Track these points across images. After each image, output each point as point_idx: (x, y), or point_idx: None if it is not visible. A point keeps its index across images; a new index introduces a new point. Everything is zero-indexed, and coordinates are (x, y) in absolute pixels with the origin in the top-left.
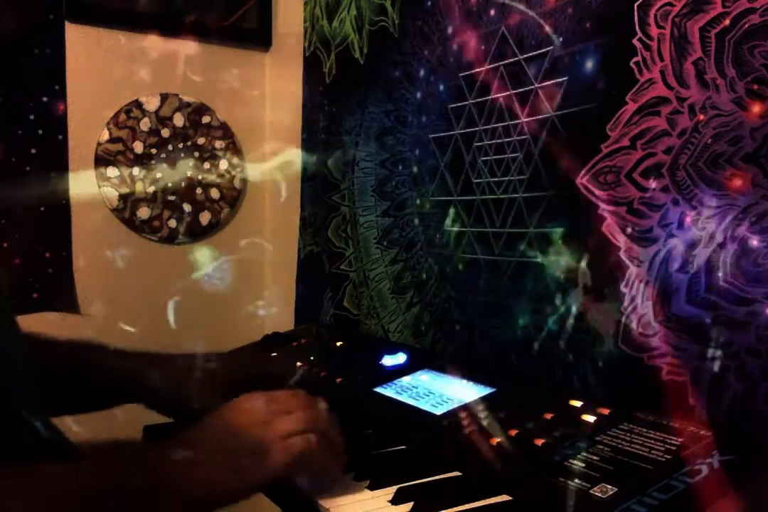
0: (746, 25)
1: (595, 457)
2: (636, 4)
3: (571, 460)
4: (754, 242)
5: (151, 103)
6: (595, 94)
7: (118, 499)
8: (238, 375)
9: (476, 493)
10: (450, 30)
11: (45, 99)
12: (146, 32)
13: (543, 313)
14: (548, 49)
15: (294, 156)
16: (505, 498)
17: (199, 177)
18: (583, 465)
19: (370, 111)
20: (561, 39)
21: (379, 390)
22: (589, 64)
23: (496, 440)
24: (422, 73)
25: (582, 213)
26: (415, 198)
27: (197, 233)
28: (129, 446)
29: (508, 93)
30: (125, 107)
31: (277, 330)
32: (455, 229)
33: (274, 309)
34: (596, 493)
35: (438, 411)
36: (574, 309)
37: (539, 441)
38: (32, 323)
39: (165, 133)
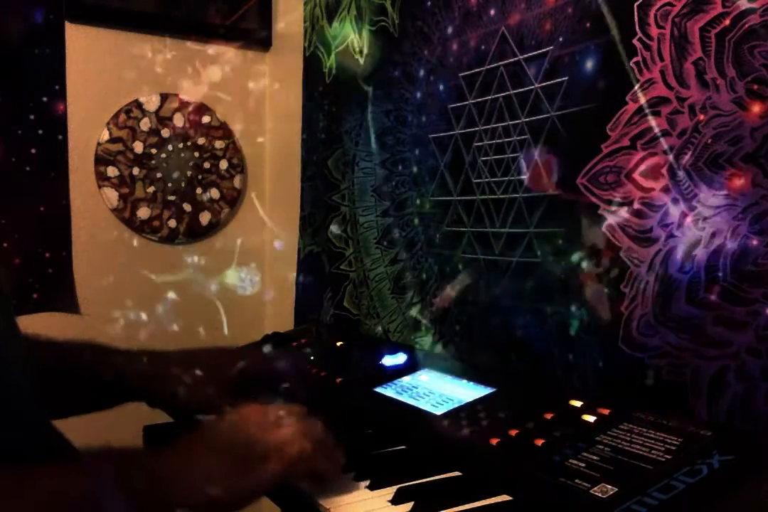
0: (746, 25)
1: (595, 457)
2: (636, 4)
3: (571, 460)
4: (754, 242)
5: (151, 103)
6: (595, 94)
7: (116, 504)
8: (239, 372)
9: (476, 493)
10: (450, 30)
11: (45, 99)
12: (146, 32)
13: (543, 313)
14: (548, 49)
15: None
16: (505, 498)
17: (199, 177)
18: (583, 465)
19: (370, 111)
20: (561, 39)
21: (379, 390)
22: (589, 64)
23: (496, 440)
24: (422, 73)
25: (582, 213)
26: (415, 198)
27: (197, 233)
28: (127, 451)
29: (508, 93)
30: (125, 107)
31: (277, 330)
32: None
33: (274, 309)
34: (596, 493)
35: (438, 411)
36: (573, 309)
37: (539, 441)
38: (32, 323)
39: (165, 133)
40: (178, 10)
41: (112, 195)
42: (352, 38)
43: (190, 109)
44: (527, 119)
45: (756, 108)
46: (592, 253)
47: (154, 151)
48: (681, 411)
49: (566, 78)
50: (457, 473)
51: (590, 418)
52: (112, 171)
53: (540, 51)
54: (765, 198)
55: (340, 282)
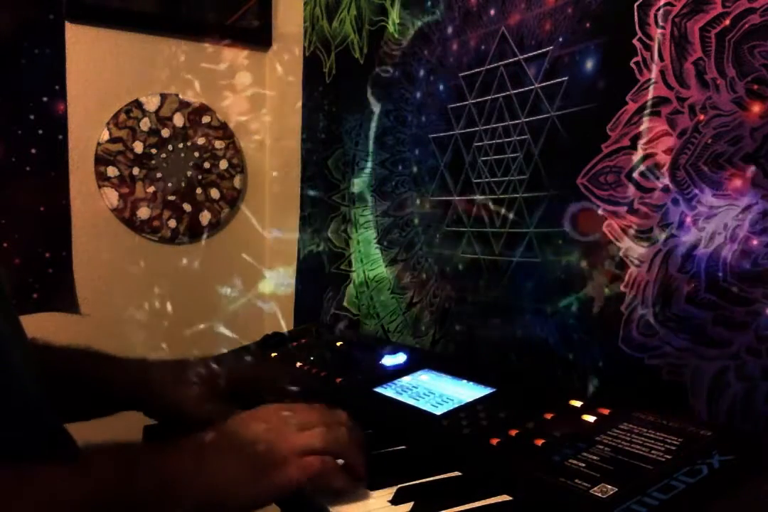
0: (746, 25)
1: (595, 457)
2: (636, 4)
3: (571, 460)
4: (754, 242)
5: (151, 103)
6: (595, 94)
7: (121, 503)
8: (236, 381)
9: (476, 493)
10: (450, 30)
11: (45, 99)
12: (146, 32)
13: (543, 313)
14: (548, 49)
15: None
16: (505, 498)
17: (199, 177)
18: (583, 465)
19: (370, 111)
20: (561, 39)
21: (379, 390)
22: (589, 64)
23: (496, 440)
24: (422, 73)
25: (582, 213)
26: (415, 198)
27: (197, 233)
28: (134, 448)
29: (508, 93)
30: (125, 107)
31: (277, 330)
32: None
33: (274, 309)
34: (596, 493)
35: (438, 411)
36: (573, 309)
37: (539, 441)
38: (32, 323)
39: (165, 133)
40: (178, 10)
41: (112, 195)
42: (352, 38)
43: (190, 109)
44: (527, 119)
45: (756, 108)
46: (591, 253)
47: (154, 151)
48: (681, 411)
49: (566, 78)
50: (457, 473)
51: (590, 418)
52: (112, 171)
53: (540, 51)
54: (765, 198)
55: (340, 282)
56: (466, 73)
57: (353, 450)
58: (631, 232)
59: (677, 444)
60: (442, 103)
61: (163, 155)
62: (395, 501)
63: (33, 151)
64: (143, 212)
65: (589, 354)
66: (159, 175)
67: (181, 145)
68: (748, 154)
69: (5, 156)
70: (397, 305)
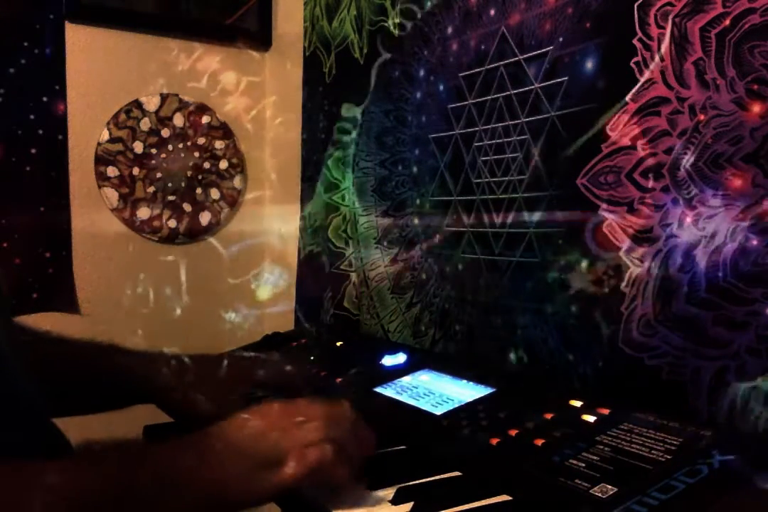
0: (746, 25)
1: (595, 457)
2: (636, 4)
3: (571, 460)
4: (754, 242)
5: (151, 103)
6: (595, 94)
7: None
8: (250, 379)
9: (476, 493)
10: (450, 30)
11: (45, 99)
12: (146, 32)
13: (543, 313)
14: (548, 49)
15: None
16: (505, 498)
17: (199, 177)
18: (583, 465)
19: (370, 111)
20: (561, 39)
21: (379, 390)
22: (589, 64)
23: (496, 440)
24: (422, 73)
25: (582, 213)
26: (415, 198)
27: (197, 233)
28: (135, 445)
29: (508, 93)
30: (125, 107)
31: (277, 330)
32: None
33: (274, 309)
34: (596, 493)
35: (438, 411)
36: (574, 309)
37: (539, 441)
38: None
39: (165, 133)
40: (178, 10)
41: (112, 195)
42: (352, 38)
43: (190, 109)
44: (527, 119)
45: (756, 108)
46: (591, 253)
47: (154, 151)
48: (681, 411)
49: (566, 78)
50: (457, 473)
51: (590, 418)
52: (112, 171)
53: (540, 51)
54: (765, 198)
55: (340, 282)
56: (466, 73)
57: (353, 443)
58: (631, 231)
59: (677, 444)
60: (442, 103)
61: (163, 155)
62: (395, 501)
63: (33, 151)
64: (143, 212)
65: (589, 354)
66: (159, 175)
67: (181, 145)
68: (748, 154)
69: (5, 156)
70: (397, 305)
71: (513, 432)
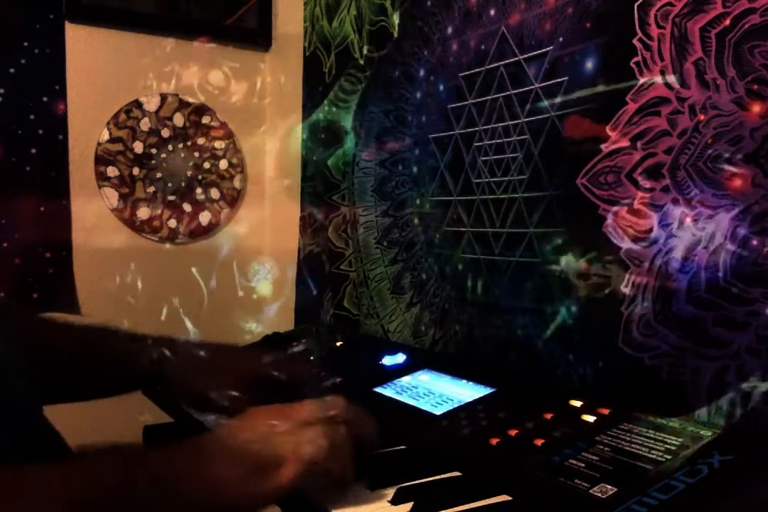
0: (746, 25)
1: (595, 457)
2: (636, 4)
3: (570, 460)
4: (754, 242)
5: (151, 103)
6: (595, 94)
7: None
8: (256, 371)
9: (476, 493)
10: (450, 30)
11: (45, 99)
12: (146, 32)
13: (543, 313)
14: (548, 49)
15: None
16: (505, 498)
17: (199, 177)
18: (583, 465)
19: (370, 111)
20: (561, 39)
21: (379, 390)
22: (589, 64)
23: (495, 440)
24: (422, 73)
25: (582, 213)
26: (415, 198)
27: (197, 233)
28: (132, 450)
29: (508, 93)
30: (125, 107)
31: (277, 330)
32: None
33: (274, 309)
34: (596, 493)
35: (438, 411)
36: (574, 309)
37: (539, 441)
38: None
39: (165, 133)
40: (177, 10)
41: (112, 195)
42: (352, 38)
43: (190, 109)
44: (527, 119)
45: (756, 108)
46: (591, 253)
47: (154, 151)
48: (681, 411)
49: (566, 78)
50: (457, 473)
51: (590, 418)
52: (112, 171)
53: (540, 51)
54: (765, 198)
55: (340, 282)
56: (466, 73)
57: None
58: (631, 232)
59: (677, 444)
60: (442, 103)
61: (163, 155)
62: (395, 501)
63: (33, 151)
64: (143, 212)
65: (589, 354)
66: (159, 175)
67: (181, 145)
68: (748, 154)
69: (5, 156)
70: (397, 305)
71: (513, 432)
